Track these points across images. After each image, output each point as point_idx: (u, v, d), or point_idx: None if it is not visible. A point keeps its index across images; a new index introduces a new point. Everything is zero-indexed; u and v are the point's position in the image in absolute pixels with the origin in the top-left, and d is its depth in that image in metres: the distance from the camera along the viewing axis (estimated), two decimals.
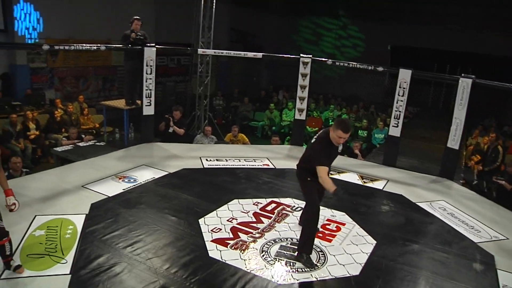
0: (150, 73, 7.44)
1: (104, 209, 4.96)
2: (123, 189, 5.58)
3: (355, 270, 4.15)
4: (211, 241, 4.44)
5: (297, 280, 3.92)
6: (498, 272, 4.36)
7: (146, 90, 7.48)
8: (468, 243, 4.96)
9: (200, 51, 9.64)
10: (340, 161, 7.84)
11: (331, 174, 6.86)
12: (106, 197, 5.29)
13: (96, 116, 10.30)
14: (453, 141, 6.98)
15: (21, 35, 10.56)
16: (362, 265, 4.26)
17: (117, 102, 8.33)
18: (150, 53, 7.36)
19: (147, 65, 7.37)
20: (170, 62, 14.94)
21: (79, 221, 4.59)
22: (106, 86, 13.00)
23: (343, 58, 17.73)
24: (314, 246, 4.38)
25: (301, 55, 8.04)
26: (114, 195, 5.36)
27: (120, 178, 5.96)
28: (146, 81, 7.43)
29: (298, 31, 19.17)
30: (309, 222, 4.35)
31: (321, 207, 5.40)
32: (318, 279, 3.97)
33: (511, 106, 12.94)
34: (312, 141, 4.44)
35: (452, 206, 6.00)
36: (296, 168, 4.64)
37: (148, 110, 7.61)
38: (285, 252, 4.37)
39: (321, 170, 4.10)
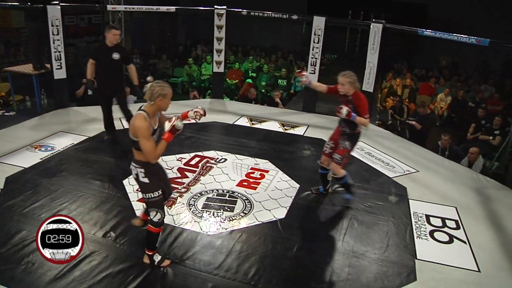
0: (57, 34, 6.98)
1: (21, 181, 4.72)
2: (41, 159, 5.33)
3: (281, 214, 4.35)
4: (138, 200, 4.42)
5: (226, 229, 4.04)
6: (410, 202, 4.78)
7: (55, 52, 7.04)
8: (384, 179, 5.35)
9: (109, 7, 9.12)
10: (261, 110, 8.04)
11: (253, 123, 7.06)
12: (22, 168, 5.02)
13: (2, 84, 9.55)
14: (368, 84, 7.30)
15: None
16: (287, 208, 4.46)
17: (24, 67, 7.74)
18: (54, 11, 6.87)
19: (52, 25, 6.89)
20: (80, 21, 14.00)
21: None
22: (9, 51, 11.99)
23: None
24: (240, 195, 4.62)
25: (215, 6, 7.89)
26: (31, 166, 5.10)
27: (36, 148, 5.68)
28: (53, 43, 6.98)
29: None
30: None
31: (244, 157, 5.60)
32: (246, 225, 4.12)
33: (420, 50, 13.63)
34: None
35: (369, 146, 6.37)
36: None
37: (60, 73, 7.19)
38: (212, 203, 4.46)
39: (89, 62, 5.62)
